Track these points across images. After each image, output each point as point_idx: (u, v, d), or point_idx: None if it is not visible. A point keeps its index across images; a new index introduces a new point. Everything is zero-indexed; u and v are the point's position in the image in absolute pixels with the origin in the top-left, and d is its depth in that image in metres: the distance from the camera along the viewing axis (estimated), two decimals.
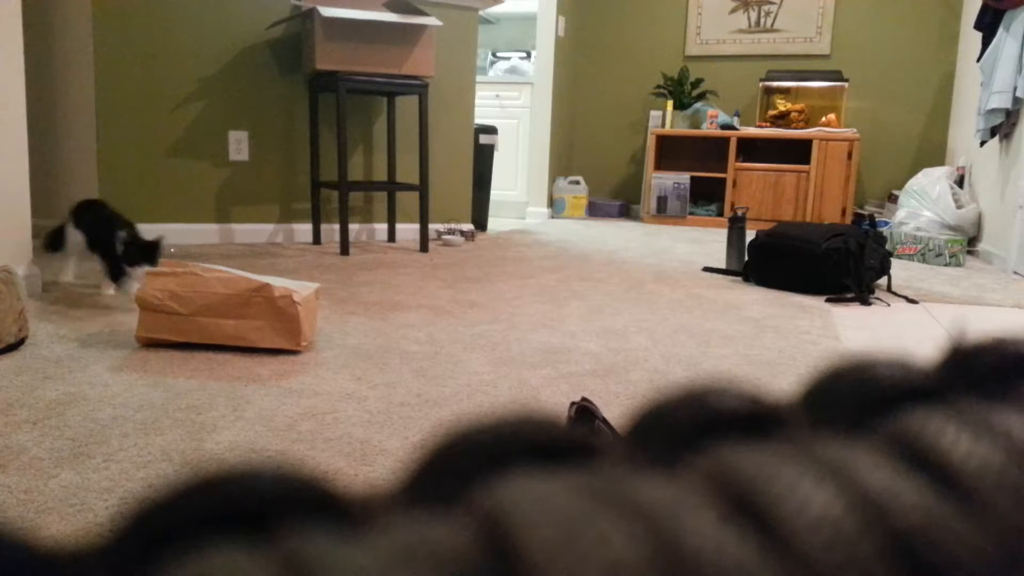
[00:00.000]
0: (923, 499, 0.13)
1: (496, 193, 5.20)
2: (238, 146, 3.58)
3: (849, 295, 2.75)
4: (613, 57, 5.90)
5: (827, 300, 2.73)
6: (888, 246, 3.87)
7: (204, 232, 3.55)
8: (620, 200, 5.92)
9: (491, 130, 4.46)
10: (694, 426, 0.15)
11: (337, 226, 3.74)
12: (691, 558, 0.11)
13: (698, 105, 5.42)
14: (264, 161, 3.65)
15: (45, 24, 3.33)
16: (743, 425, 0.15)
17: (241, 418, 1.41)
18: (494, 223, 4.92)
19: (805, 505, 0.12)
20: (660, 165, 5.53)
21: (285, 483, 0.13)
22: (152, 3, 3.34)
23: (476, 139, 4.29)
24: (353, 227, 3.88)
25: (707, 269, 3.32)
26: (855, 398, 0.16)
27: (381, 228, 3.96)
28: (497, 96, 5.33)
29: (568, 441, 0.15)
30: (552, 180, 5.56)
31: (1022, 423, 0.14)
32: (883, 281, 3.02)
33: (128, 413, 1.40)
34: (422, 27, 3.40)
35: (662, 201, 5.39)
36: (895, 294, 2.89)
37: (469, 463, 0.14)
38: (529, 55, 5.55)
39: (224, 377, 1.63)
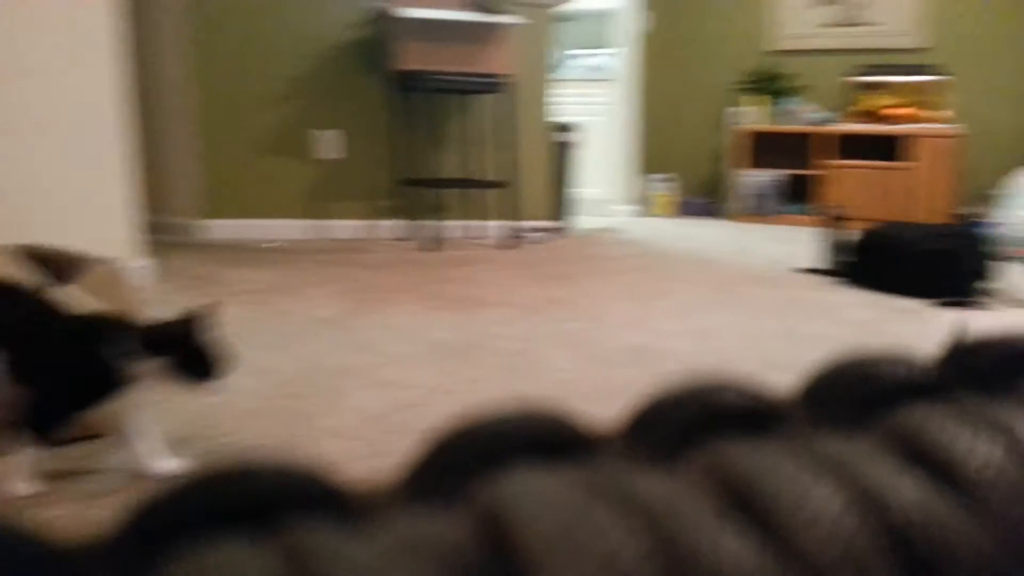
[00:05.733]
0: (923, 495, 0.13)
1: (581, 191, 5.17)
2: (329, 144, 3.68)
3: (954, 298, 2.62)
4: (699, 52, 5.79)
5: (932, 304, 2.61)
6: (996, 247, 3.67)
7: (295, 228, 3.66)
8: (708, 198, 5.81)
9: (572, 127, 4.44)
10: (694, 421, 0.15)
11: (423, 223, 3.80)
12: (688, 552, 0.11)
13: (788, 100, 5.27)
14: (353, 159, 3.73)
15: (150, 26, 3.49)
16: (743, 421, 0.15)
17: (338, 407, 1.44)
18: (579, 221, 4.90)
19: (803, 500, 0.12)
20: (749, 162, 5.40)
21: (288, 478, 0.13)
22: (245, 6, 3.46)
23: (559, 137, 4.28)
24: (438, 224, 3.93)
25: (800, 269, 3.22)
26: (856, 394, 0.16)
27: (466, 225, 4.00)
28: (581, 93, 5.31)
29: (568, 437, 0.15)
30: (638, 177, 5.50)
31: (1020, 418, 0.14)
32: (992, 284, 2.86)
33: (234, 399, 1.45)
34: (501, 25, 3.42)
35: (752, 199, 5.26)
36: (1005, 297, 2.74)
37: (470, 458, 0.14)
38: (613, 51, 5.51)
39: (323, 367, 1.67)
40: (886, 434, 0.14)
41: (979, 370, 0.17)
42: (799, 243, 4.22)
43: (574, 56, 5.65)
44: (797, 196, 5.30)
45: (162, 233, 3.59)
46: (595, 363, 1.79)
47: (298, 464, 0.13)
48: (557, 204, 4.34)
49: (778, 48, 5.55)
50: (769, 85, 5.34)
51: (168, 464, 1.15)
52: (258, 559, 0.11)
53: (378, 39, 3.69)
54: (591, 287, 2.72)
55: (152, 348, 1.06)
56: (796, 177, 5.26)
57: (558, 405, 0.15)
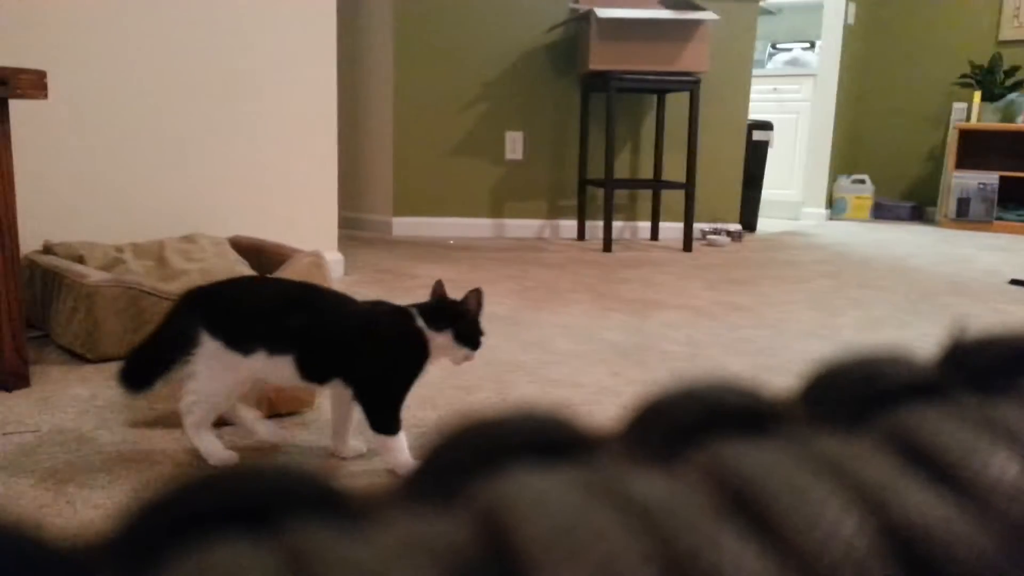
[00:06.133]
0: (923, 496, 0.13)
1: (768, 192, 4.95)
2: (513, 146, 3.77)
3: None
4: (910, 44, 5.34)
5: None
6: None
7: (479, 226, 3.79)
8: (911, 201, 5.36)
9: (766, 126, 4.26)
10: (693, 422, 0.16)
11: (601, 223, 3.80)
12: (687, 553, 0.11)
13: (1013, 96, 4.74)
14: (536, 160, 3.81)
15: (353, 32, 3.75)
16: (743, 421, 0.16)
17: (505, 401, 1.48)
18: (764, 224, 4.70)
19: (803, 501, 0.12)
20: (963, 163, 4.91)
21: (287, 480, 0.13)
22: (445, 12, 3.62)
23: (749, 135, 4.12)
24: (617, 224, 3.91)
25: (1016, 282, 2.90)
26: (855, 394, 0.16)
27: (644, 226, 3.96)
28: (775, 90, 5.08)
29: (568, 437, 0.15)
30: (832, 179, 5.18)
31: (1022, 418, 0.14)
32: None
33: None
34: (698, 22, 3.33)
35: (963, 203, 4.79)
36: None
37: (470, 459, 0.14)
38: (813, 45, 5.22)
39: (494, 362, 1.72)
40: (886, 434, 0.15)
41: (979, 370, 0.17)
42: (1019, 253, 3.79)
43: (769, 51, 5.41)
44: (1019, 202, 4.76)
45: (353, 228, 3.84)
46: (770, 373, 1.72)
47: (298, 467, 0.14)
48: (744, 205, 4.18)
49: (1009, 38, 5.01)
50: (991, 79, 4.83)
51: (357, 446, 1.24)
52: (258, 559, 0.11)
53: (570, 41, 3.73)
54: (773, 293, 2.60)
55: (435, 324, 1.15)
56: (1018, 181, 4.72)
57: (557, 405, 0.16)
